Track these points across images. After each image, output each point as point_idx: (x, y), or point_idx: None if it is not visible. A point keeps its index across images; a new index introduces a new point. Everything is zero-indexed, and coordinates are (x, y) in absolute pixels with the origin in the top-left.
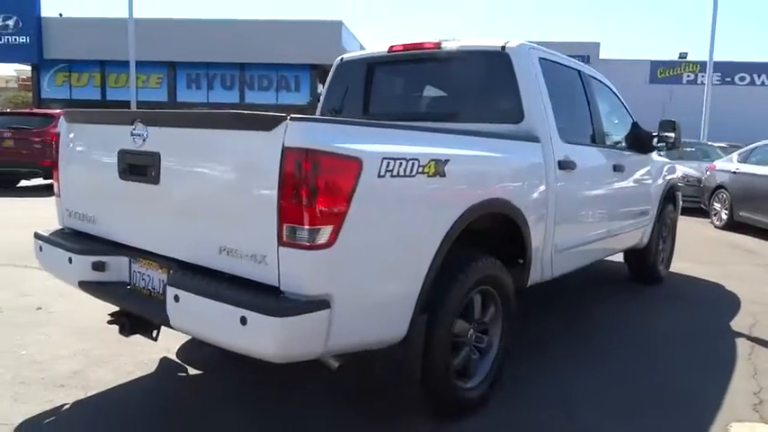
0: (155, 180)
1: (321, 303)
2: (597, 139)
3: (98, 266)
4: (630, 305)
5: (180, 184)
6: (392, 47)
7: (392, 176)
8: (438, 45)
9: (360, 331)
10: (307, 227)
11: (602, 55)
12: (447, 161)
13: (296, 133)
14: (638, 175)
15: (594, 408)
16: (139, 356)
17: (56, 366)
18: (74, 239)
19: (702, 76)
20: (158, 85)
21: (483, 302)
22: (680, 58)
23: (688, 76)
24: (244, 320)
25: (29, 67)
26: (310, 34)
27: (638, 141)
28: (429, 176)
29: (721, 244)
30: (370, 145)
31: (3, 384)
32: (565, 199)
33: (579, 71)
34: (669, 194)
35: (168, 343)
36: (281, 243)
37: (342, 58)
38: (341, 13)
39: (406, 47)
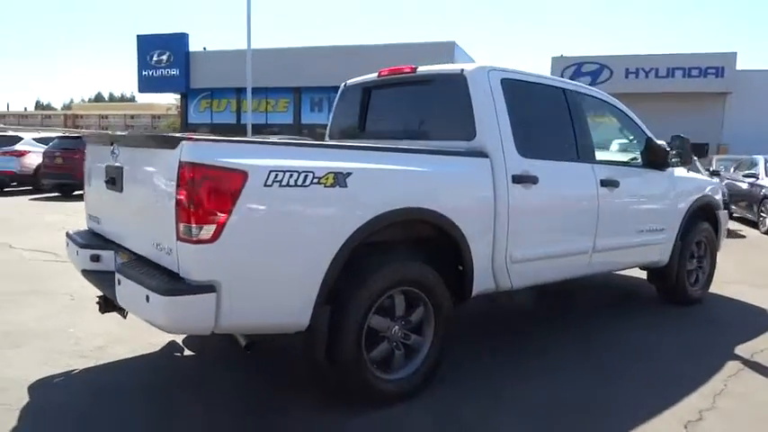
0: (120, 188)
1: (207, 288)
2: (582, 154)
3: (94, 258)
4: (640, 323)
5: (133, 192)
6: (381, 71)
7: (281, 186)
8: (414, 70)
9: (253, 316)
10: (193, 225)
11: (741, 65)
12: (349, 174)
13: (188, 150)
14: (645, 191)
15: (514, 411)
16: (153, 339)
17: (87, 342)
18: (85, 237)
19: None
20: (285, 108)
21: (409, 303)
22: None
23: None
24: (147, 298)
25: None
26: (425, 56)
27: (652, 157)
28: (327, 187)
29: None
30: (259, 159)
31: (43, 351)
32: (522, 211)
33: (564, 89)
34: (700, 213)
35: None
36: (178, 238)
37: (345, 83)
38: (457, 34)
39: (390, 71)
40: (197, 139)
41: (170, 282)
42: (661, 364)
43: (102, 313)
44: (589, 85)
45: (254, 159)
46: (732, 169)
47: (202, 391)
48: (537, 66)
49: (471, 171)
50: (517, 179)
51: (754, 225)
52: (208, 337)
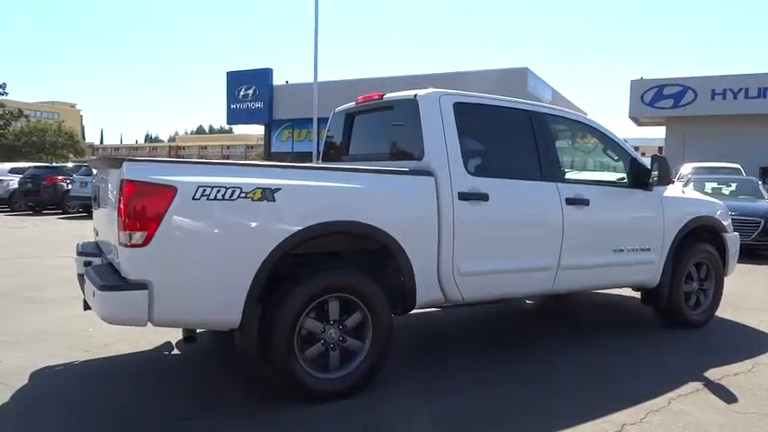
0: (98, 204)
1: (139, 285)
2: (546, 173)
3: (86, 264)
4: (615, 344)
5: (104, 206)
6: (358, 99)
7: (209, 199)
8: (381, 96)
9: (184, 312)
10: (129, 231)
11: None
12: (278, 189)
13: (127, 169)
14: (625, 210)
15: (436, 416)
16: (153, 337)
17: (97, 340)
18: (87, 247)
19: None
20: None
21: (344, 308)
22: None
23: None
24: (93, 293)
25: None
26: (498, 83)
27: (635, 177)
28: (254, 200)
29: None
30: (189, 176)
31: (59, 347)
32: (470, 226)
33: (529, 112)
34: (700, 234)
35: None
36: (119, 243)
37: (334, 110)
38: (532, 61)
39: (364, 99)
40: (136, 160)
41: (111, 280)
42: (612, 381)
43: (84, 310)
44: (671, 107)
45: (184, 176)
46: None
47: (173, 382)
48: (618, 89)
49: (412, 188)
50: (464, 196)
51: None
52: (198, 337)
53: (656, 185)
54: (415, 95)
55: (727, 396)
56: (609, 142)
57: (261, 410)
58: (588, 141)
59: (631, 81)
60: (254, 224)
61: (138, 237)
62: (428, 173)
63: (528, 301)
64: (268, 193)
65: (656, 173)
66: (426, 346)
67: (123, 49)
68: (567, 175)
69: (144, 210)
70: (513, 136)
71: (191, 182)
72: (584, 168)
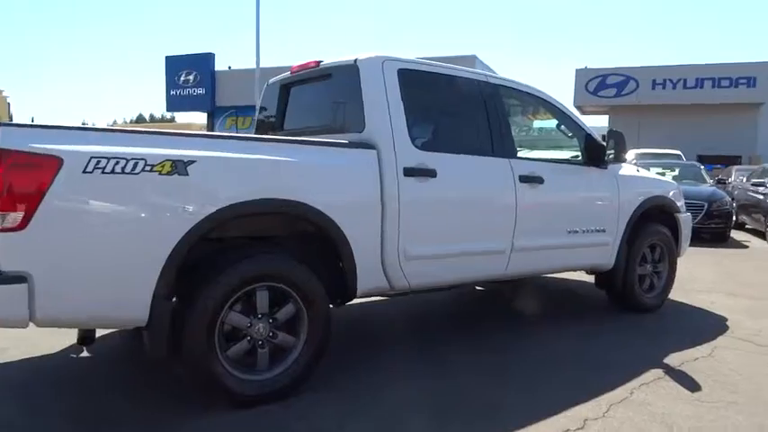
0: None
1: (15, 279)
2: (498, 149)
3: None
4: (574, 331)
5: None
6: (293, 67)
7: (104, 173)
8: (318, 63)
9: (77, 310)
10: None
11: None
12: (192, 162)
13: (1, 135)
14: (580, 189)
15: (380, 419)
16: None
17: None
18: None
19: None
20: None
21: (275, 299)
22: None
23: None
24: None
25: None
26: None
27: (590, 154)
28: (162, 175)
29: None
30: (78, 145)
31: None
32: (416, 206)
33: (480, 82)
34: (654, 215)
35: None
36: None
37: (267, 82)
38: (479, 49)
39: (299, 67)
40: (13, 125)
41: None
42: (570, 371)
43: None
44: (614, 96)
45: (72, 145)
46: (745, 179)
47: (72, 392)
48: (562, 78)
49: (351, 163)
50: (410, 172)
51: (763, 236)
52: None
53: (611, 163)
54: (356, 60)
55: (690, 384)
56: (563, 117)
57: (172, 421)
58: (542, 116)
59: (576, 70)
60: (161, 203)
61: (12, 218)
62: (370, 146)
63: (478, 288)
64: (180, 167)
65: (611, 151)
66: (370, 338)
67: (56, 33)
68: (521, 152)
69: (21, 185)
70: (464, 108)
71: (81, 152)
72: (537, 144)
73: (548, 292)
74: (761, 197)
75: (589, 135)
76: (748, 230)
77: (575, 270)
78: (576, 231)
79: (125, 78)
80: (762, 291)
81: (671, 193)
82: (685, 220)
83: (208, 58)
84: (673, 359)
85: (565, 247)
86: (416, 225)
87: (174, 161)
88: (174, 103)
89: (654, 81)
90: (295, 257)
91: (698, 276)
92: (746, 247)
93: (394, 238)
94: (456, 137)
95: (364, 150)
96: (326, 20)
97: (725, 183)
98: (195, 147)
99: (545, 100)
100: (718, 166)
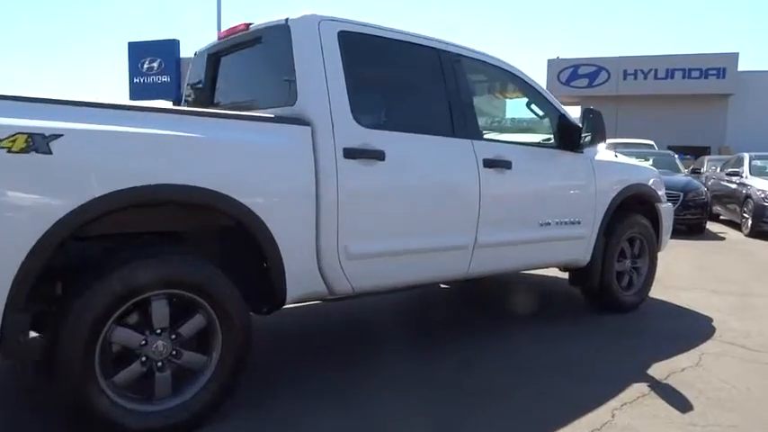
0: None
1: None
2: (459, 128)
3: None
4: (548, 335)
5: None
6: (220, 33)
7: None
8: (247, 26)
9: None
10: None
11: (743, 66)
12: (57, 136)
13: None
14: (553, 176)
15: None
16: None
17: None
18: None
19: None
20: None
21: (179, 310)
22: None
23: None
24: None
25: None
26: None
27: (564, 136)
28: (13, 152)
29: None
30: None
31: None
32: (360, 194)
33: (439, 51)
34: (633, 205)
35: None
36: None
37: (195, 51)
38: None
39: (227, 32)
40: None
41: None
42: (540, 386)
43: None
44: (586, 87)
45: None
46: (719, 168)
47: None
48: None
49: (279, 142)
50: (352, 153)
51: (738, 227)
52: None
53: (587, 147)
54: (287, 20)
55: (680, 402)
56: (534, 94)
57: None
58: (511, 93)
59: (548, 60)
60: (12, 191)
61: None
62: (302, 122)
63: (443, 286)
64: (39, 142)
65: (587, 133)
66: (307, 346)
67: (13, 21)
68: (486, 133)
69: None
70: (419, 79)
71: None
72: (505, 126)
73: (518, 290)
74: (735, 186)
75: (563, 115)
76: (723, 222)
77: (547, 267)
78: (549, 223)
79: (86, 66)
80: (743, 287)
81: (651, 181)
82: (666, 210)
83: (172, 45)
84: (657, 370)
85: (536, 241)
86: (360, 217)
87: (30, 134)
88: (137, 92)
89: (625, 71)
90: (207, 258)
91: (676, 271)
92: (723, 239)
93: (332, 233)
94: (409, 113)
95: (295, 127)
96: (295, 3)
97: (699, 172)
98: (63, 117)
99: (514, 74)
100: (688, 156)
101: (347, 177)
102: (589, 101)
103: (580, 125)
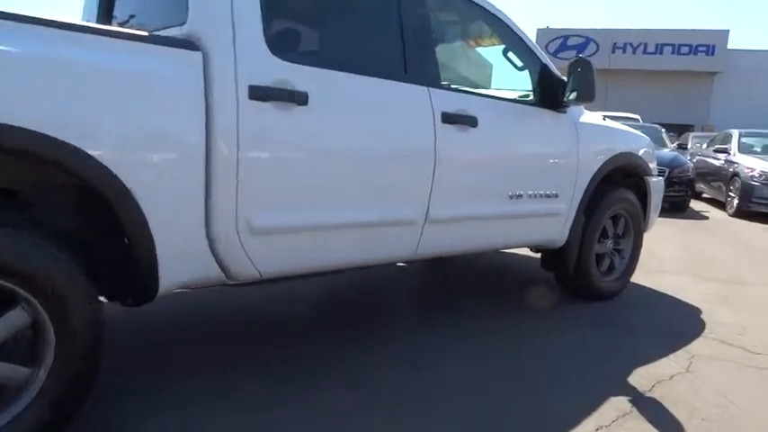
0: None
1: None
2: (413, 70)
3: None
4: (517, 329)
5: None
6: None
7: None
8: None
9: None
10: None
11: (732, 44)
12: None
13: None
14: (528, 138)
15: None
16: None
17: None
18: None
19: None
20: None
21: None
22: None
23: None
24: None
25: None
26: None
27: (544, 91)
28: None
29: (765, 257)
30: None
31: None
32: (269, 147)
33: None
34: (619, 177)
35: None
36: None
37: None
38: None
39: None
40: None
41: None
42: (500, 399)
43: None
44: (573, 59)
45: None
46: (704, 145)
47: None
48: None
49: (152, 71)
50: (262, 93)
51: (722, 206)
52: None
53: (572, 105)
54: None
55: (669, 423)
56: (513, 40)
57: None
58: (484, 38)
59: (537, 29)
60: None
61: None
62: (191, 45)
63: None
64: None
65: (574, 93)
66: (201, 339)
67: None
68: (447, 79)
69: None
70: (364, 3)
71: None
72: (474, 74)
73: (480, 271)
74: (722, 164)
75: (545, 66)
76: (705, 200)
77: (516, 248)
78: (520, 196)
79: None
80: (731, 271)
81: (642, 151)
82: (656, 185)
83: None
84: (641, 378)
85: (504, 217)
86: (269, 180)
87: None
88: None
89: (614, 44)
90: (27, 228)
91: (660, 253)
92: (706, 218)
93: (228, 200)
94: (346, 46)
95: (178, 52)
96: None
97: (685, 148)
98: None
99: (488, 11)
100: (672, 134)
101: (253, 125)
102: None
103: (565, 79)
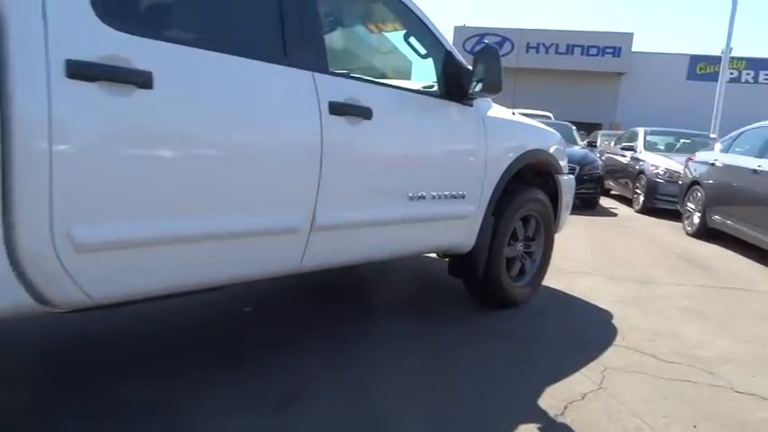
0: None
1: None
2: (295, 51)
3: None
4: (409, 344)
5: None
6: None
7: None
8: None
9: None
10: None
11: (636, 47)
12: None
13: None
14: (432, 133)
15: None
16: None
17: None
18: None
19: (747, 74)
20: None
21: None
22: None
23: (731, 73)
24: None
25: None
26: None
27: (450, 83)
28: None
29: (675, 256)
30: None
31: None
32: (101, 140)
33: None
34: (529, 176)
35: None
36: None
37: None
38: None
39: None
40: None
41: None
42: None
43: None
44: None
45: None
46: (612, 143)
47: None
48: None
49: None
50: (84, 71)
51: (629, 203)
52: None
53: (478, 97)
54: None
55: None
56: (414, 23)
57: None
58: (384, 23)
59: (455, 27)
60: None
61: None
62: None
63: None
64: None
65: (479, 83)
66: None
67: None
68: (341, 66)
69: None
70: None
71: None
72: (379, 63)
73: (377, 277)
74: (629, 161)
75: (450, 54)
76: (614, 196)
77: (421, 254)
78: (423, 197)
79: None
80: (641, 272)
81: (553, 148)
82: (568, 184)
83: None
84: (552, 399)
85: (404, 221)
86: (98, 182)
87: None
88: None
89: (528, 44)
90: None
91: (570, 252)
92: (615, 215)
93: (38, 208)
94: (207, 18)
95: None
96: None
97: (595, 146)
98: None
99: None
100: (581, 132)
101: (71, 112)
102: None
103: (470, 68)
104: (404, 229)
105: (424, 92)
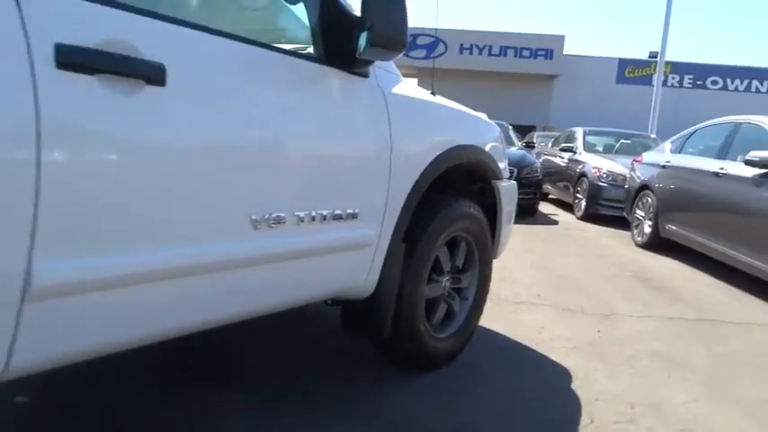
0: None
1: None
2: None
3: None
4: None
5: None
6: None
7: None
8: None
9: None
10: None
11: (568, 50)
12: None
13: None
14: (291, 117)
15: None
16: None
17: None
18: None
19: (674, 78)
20: None
21: None
22: (650, 57)
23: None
24: None
25: None
26: None
27: (329, 39)
28: None
29: (630, 274)
30: None
31: None
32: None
33: None
34: (456, 182)
35: None
36: None
37: None
38: None
39: None
40: None
41: None
42: None
43: None
44: (423, 58)
45: None
46: (550, 144)
47: None
48: None
49: None
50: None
51: (569, 208)
52: None
53: (376, 62)
54: None
55: None
56: None
57: None
58: None
59: None
60: None
61: None
62: None
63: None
64: None
65: (369, 33)
66: None
67: None
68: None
69: None
70: None
71: None
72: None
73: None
74: (568, 164)
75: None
76: (552, 201)
77: (286, 308)
78: (280, 221)
79: None
80: (595, 298)
81: (489, 146)
82: (509, 192)
83: None
84: None
85: (244, 263)
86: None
87: None
88: None
89: (461, 45)
90: None
91: (510, 272)
92: (556, 222)
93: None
94: None
95: None
96: None
97: (533, 146)
98: None
99: None
100: (517, 134)
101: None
102: (426, 72)
103: (361, 16)
104: (244, 276)
105: (287, 51)
